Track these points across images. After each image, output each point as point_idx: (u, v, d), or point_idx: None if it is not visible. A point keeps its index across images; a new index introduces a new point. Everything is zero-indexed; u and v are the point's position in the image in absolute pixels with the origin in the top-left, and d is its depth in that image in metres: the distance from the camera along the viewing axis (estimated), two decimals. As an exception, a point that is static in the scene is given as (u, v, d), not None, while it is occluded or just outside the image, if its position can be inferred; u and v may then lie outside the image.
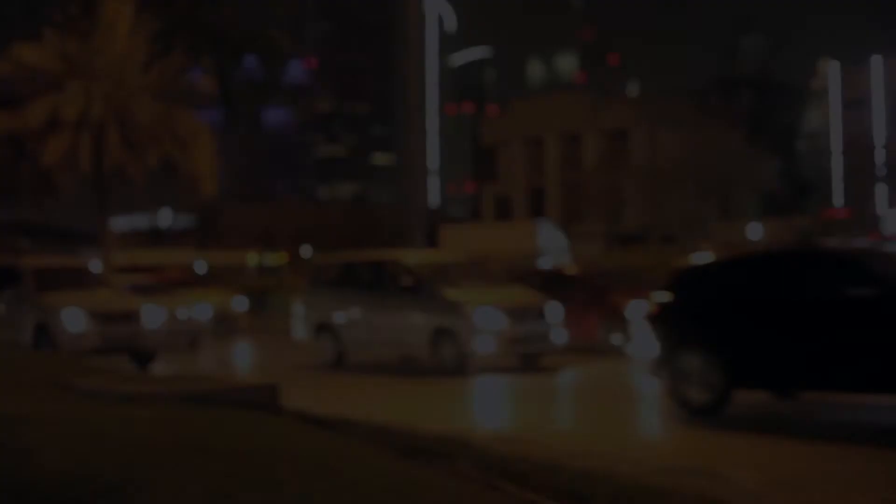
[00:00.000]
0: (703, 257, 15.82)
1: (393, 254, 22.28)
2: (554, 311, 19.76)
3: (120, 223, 73.00)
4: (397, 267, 20.59)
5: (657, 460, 9.46)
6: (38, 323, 20.08)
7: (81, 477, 5.92)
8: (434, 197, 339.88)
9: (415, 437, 9.25)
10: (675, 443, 11.66)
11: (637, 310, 20.41)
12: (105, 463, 6.27)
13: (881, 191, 65.22)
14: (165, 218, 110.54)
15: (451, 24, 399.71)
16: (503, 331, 18.78)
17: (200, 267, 60.44)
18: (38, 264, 22.09)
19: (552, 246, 63.22)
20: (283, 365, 21.75)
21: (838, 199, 62.95)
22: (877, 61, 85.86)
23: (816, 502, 7.70)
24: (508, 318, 18.85)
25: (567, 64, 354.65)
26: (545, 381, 18.35)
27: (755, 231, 65.82)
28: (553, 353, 19.90)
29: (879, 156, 63.91)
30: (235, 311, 31.86)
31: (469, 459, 7.95)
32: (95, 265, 25.37)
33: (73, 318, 19.85)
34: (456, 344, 18.72)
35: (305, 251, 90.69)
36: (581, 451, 9.68)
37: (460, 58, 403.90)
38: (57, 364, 12.87)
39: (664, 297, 13.87)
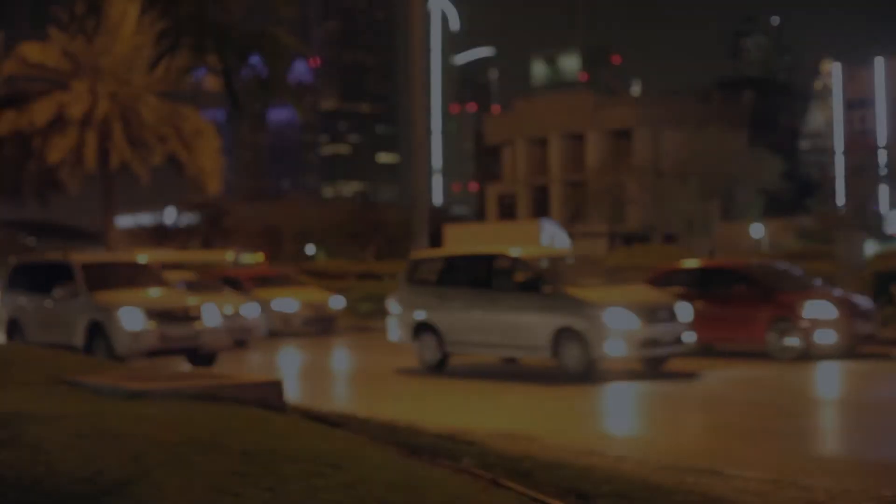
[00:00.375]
0: None
1: (505, 248, 20.97)
2: (684, 310, 18.34)
3: (124, 221, 73.07)
4: (512, 262, 19.43)
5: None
6: (92, 322, 19.15)
7: (88, 473, 5.95)
8: (438, 196, 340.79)
9: (419, 434, 9.27)
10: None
11: (817, 311, 19.87)
12: (111, 460, 6.28)
13: (883, 191, 65.15)
14: (170, 216, 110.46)
15: (455, 23, 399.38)
16: (635, 332, 17.50)
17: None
18: (88, 260, 21.18)
19: (555, 245, 63.24)
20: (378, 369, 20.79)
21: (840, 199, 62.80)
22: (879, 62, 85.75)
23: (818, 499, 7.68)
24: (640, 319, 17.56)
25: (570, 64, 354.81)
26: (686, 388, 17.05)
27: (757, 231, 65.83)
28: (680, 357, 18.68)
29: (881, 156, 63.86)
30: (332, 309, 29.91)
31: (473, 457, 7.97)
32: (144, 260, 24.28)
33: (131, 317, 18.87)
34: (582, 346, 17.40)
35: (309, 249, 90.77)
36: (585, 450, 9.68)
37: (464, 57, 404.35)
38: (63, 361, 12.84)
39: None
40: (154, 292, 20.40)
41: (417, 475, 6.61)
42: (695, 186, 58.27)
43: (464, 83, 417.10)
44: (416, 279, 20.68)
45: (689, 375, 17.89)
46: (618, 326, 17.33)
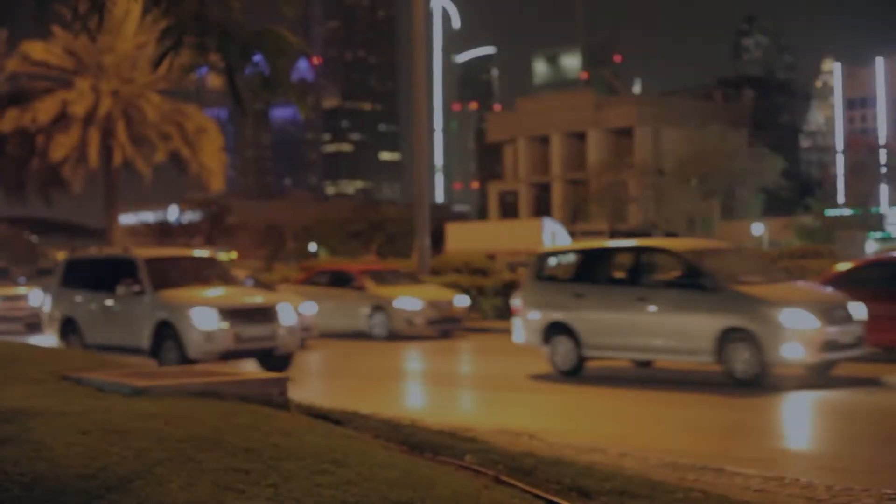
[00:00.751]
0: None
1: (656, 240, 19.18)
2: (858, 309, 16.43)
3: (127, 219, 73.04)
4: (666, 256, 17.76)
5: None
6: (160, 323, 17.55)
7: (91, 470, 5.96)
8: (440, 194, 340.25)
9: (422, 431, 9.28)
10: None
11: None
12: (115, 456, 6.30)
13: (883, 190, 65.21)
14: (173, 214, 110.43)
15: (457, 22, 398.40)
16: (815, 334, 15.66)
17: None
18: (152, 254, 19.68)
19: (557, 243, 63.36)
20: (508, 375, 18.58)
21: (841, 198, 62.83)
22: (879, 62, 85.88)
23: (819, 497, 7.67)
24: (819, 319, 15.71)
25: (571, 62, 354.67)
26: (871, 397, 14.98)
27: (758, 229, 65.87)
28: (856, 361, 16.84)
29: (882, 155, 63.93)
30: (458, 308, 26.82)
31: (476, 454, 7.99)
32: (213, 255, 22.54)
33: (204, 317, 17.22)
34: (754, 349, 15.57)
35: (311, 246, 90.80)
36: (587, 447, 9.68)
37: (465, 56, 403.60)
38: (66, 358, 12.85)
39: None
40: (224, 289, 18.88)
41: (420, 472, 6.61)
42: (695, 185, 58.28)
43: (465, 82, 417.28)
44: (545, 276, 18.78)
45: (867, 382, 16.15)
46: (796, 327, 15.55)
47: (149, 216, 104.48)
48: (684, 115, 75.67)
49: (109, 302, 18.97)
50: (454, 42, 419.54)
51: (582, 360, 17.58)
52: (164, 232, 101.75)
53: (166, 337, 17.40)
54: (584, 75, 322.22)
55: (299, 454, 6.68)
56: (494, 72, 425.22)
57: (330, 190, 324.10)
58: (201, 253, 21.86)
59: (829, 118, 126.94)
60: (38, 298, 31.30)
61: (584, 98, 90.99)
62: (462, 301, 27.11)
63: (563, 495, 6.86)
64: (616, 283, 17.83)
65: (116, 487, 5.65)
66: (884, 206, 63.10)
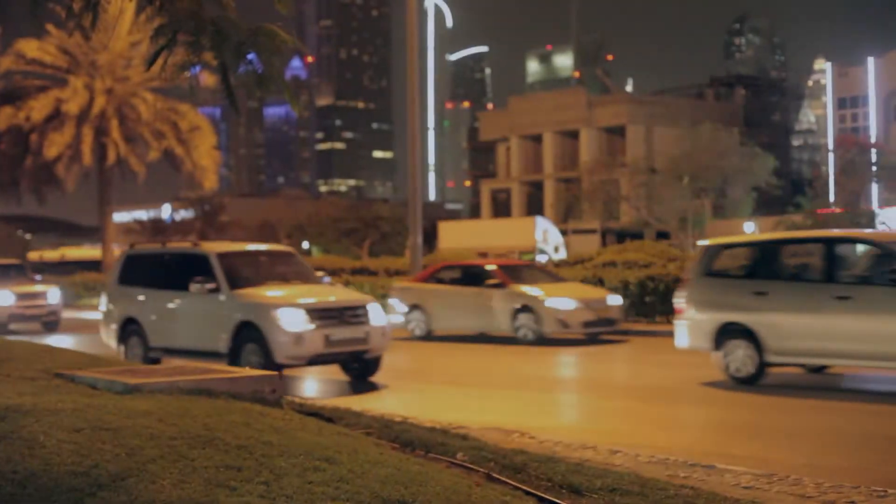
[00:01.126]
0: None
1: (855, 231, 17.13)
2: None
3: (120, 217, 72.90)
4: (871, 248, 15.45)
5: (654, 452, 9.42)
6: (241, 324, 15.89)
7: (84, 467, 5.98)
8: (432, 192, 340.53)
9: (414, 428, 9.31)
10: None
11: None
12: (107, 454, 6.32)
13: (874, 189, 65.38)
14: (166, 212, 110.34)
15: (450, 21, 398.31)
16: None
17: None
18: (226, 249, 17.88)
19: (549, 242, 63.46)
20: (677, 383, 16.47)
21: (832, 196, 62.97)
22: (871, 62, 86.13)
23: (808, 493, 7.69)
24: None
25: (564, 61, 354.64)
26: None
27: (749, 228, 65.95)
28: None
29: (872, 154, 64.11)
30: (612, 306, 23.81)
31: (467, 451, 8.02)
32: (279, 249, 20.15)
33: (292, 317, 15.55)
34: None
35: (304, 244, 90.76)
36: (579, 443, 9.68)
37: (458, 55, 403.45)
38: (60, 356, 12.84)
39: None
40: (307, 287, 17.21)
41: (411, 469, 6.63)
42: (687, 184, 58.35)
43: (458, 80, 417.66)
44: (715, 271, 16.59)
45: None
46: None
47: (142, 214, 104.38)
48: (676, 114, 75.75)
49: (179, 301, 17.32)
50: (447, 41, 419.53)
51: (763, 366, 15.53)
52: (157, 230, 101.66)
53: (248, 340, 15.81)
54: (577, 74, 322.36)
55: (291, 451, 6.70)
56: (487, 70, 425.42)
57: (323, 188, 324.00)
58: (277, 247, 19.87)
59: (821, 117, 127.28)
60: (55, 296, 30.93)
61: (576, 97, 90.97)
62: (615, 300, 24.11)
63: (554, 492, 6.88)
64: (806, 280, 15.67)
65: (109, 485, 5.66)
66: (874, 205, 63.26)
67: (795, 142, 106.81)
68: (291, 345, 15.44)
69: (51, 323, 30.98)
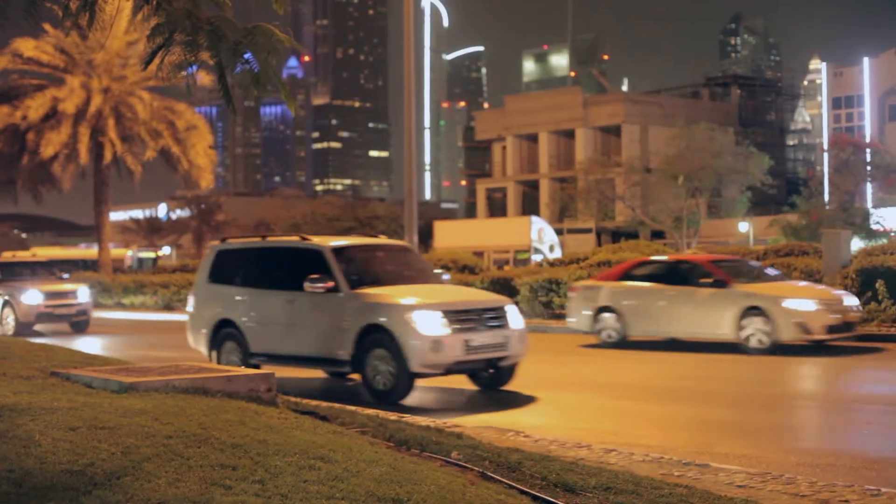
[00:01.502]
0: None
1: None
2: None
3: (116, 216, 73.03)
4: None
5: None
6: (367, 328, 14.10)
7: (79, 466, 6.01)
8: (428, 191, 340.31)
9: (409, 427, 9.32)
10: None
11: None
12: (103, 452, 6.35)
13: (868, 189, 65.46)
14: (162, 211, 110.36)
15: (446, 21, 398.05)
16: None
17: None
18: (342, 243, 15.88)
19: (545, 241, 63.48)
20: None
21: (826, 196, 63.04)
22: (866, 62, 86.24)
23: (802, 492, 7.69)
24: None
25: (560, 61, 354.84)
26: None
27: (744, 227, 66.02)
28: None
29: (867, 154, 64.17)
30: (849, 307, 20.47)
31: (462, 450, 8.04)
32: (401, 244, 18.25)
33: (428, 320, 13.73)
34: None
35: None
36: (573, 442, 9.69)
37: (455, 54, 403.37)
38: (56, 354, 12.84)
39: None
40: (434, 287, 15.55)
41: (406, 468, 6.66)
42: (682, 183, 58.35)
43: (454, 80, 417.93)
44: None
45: None
46: None
47: (138, 213, 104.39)
48: (671, 114, 75.82)
49: (287, 302, 15.29)
50: (444, 40, 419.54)
51: None
52: (153, 228, 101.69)
53: (375, 345, 13.97)
54: (573, 74, 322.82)
55: (286, 450, 6.73)
56: (483, 70, 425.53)
57: (319, 187, 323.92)
58: (392, 241, 17.76)
59: (816, 117, 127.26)
60: (85, 294, 29.58)
61: (571, 96, 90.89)
62: (851, 300, 20.72)
63: (549, 491, 6.91)
64: None
65: (104, 483, 5.68)
66: (869, 204, 63.34)
67: (790, 141, 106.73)
68: (429, 351, 13.61)
69: (80, 323, 29.52)
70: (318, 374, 16.77)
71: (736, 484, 7.92)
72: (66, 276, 33.35)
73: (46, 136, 35.63)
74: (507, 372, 14.81)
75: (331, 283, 14.57)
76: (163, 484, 5.71)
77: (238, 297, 16.14)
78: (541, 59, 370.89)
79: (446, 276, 16.69)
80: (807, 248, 28.88)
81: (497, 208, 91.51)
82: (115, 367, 11.47)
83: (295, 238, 16.66)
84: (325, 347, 14.66)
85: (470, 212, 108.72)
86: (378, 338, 13.93)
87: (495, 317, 14.38)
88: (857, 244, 34.92)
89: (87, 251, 44.23)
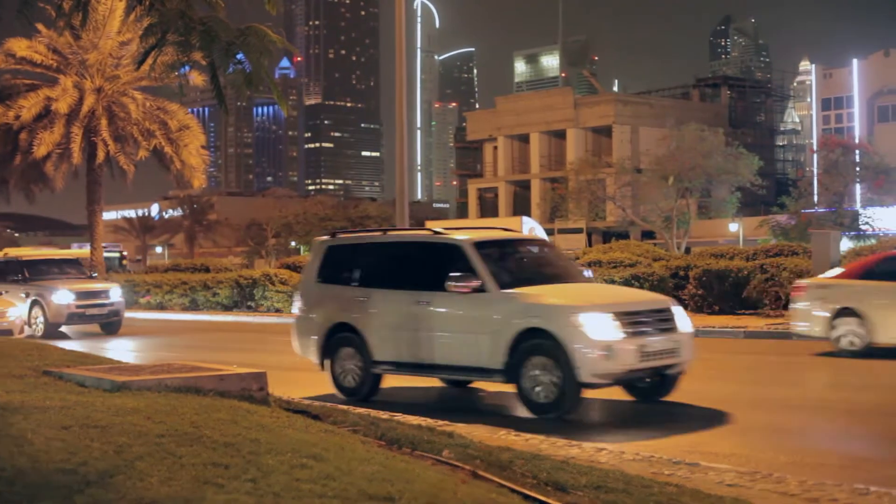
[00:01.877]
0: None
1: None
2: None
3: (107, 215, 72.97)
4: None
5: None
6: (523, 332, 12.37)
7: (72, 465, 6.01)
8: (420, 191, 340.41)
9: (400, 426, 9.34)
10: None
11: None
12: (95, 451, 6.36)
13: (857, 189, 65.61)
14: (154, 210, 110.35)
15: (438, 21, 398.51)
16: None
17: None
18: (481, 238, 14.07)
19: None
20: None
21: (816, 197, 63.16)
22: (855, 64, 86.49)
23: (791, 491, 7.70)
24: None
25: (551, 62, 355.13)
26: None
27: (734, 228, 66.12)
28: None
29: (856, 155, 64.35)
30: None
31: (454, 449, 8.06)
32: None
33: (600, 324, 12.04)
34: None
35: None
36: (564, 441, 9.69)
37: (446, 55, 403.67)
38: (48, 353, 12.83)
39: None
40: (589, 286, 14.26)
41: (398, 467, 6.68)
42: (672, 183, 58.42)
43: (446, 80, 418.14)
44: None
45: None
46: None
47: (130, 213, 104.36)
48: (662, 115, 75.84)
49: (421, 303, 13.48)
50: (435, 41, 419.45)
51: None
52: (145, 228, 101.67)
53: (534, 352, 12.26)
54: (564, 75, 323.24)
55: (279, 449, 6.74)
56: (474, 71, 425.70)
57: (311, 187, 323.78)
58: (531, 236, 15.37)
59: (806, 118, 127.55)
60: (117, 294, 28.28)
61: (562, 97, 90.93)
62: None
63: (540, 489, 6.91)
64: None
65: (97, 482, 5.68)
66: (858, 205, 63.47)
67: (780, 142, 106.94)
68: (602, 359, 11.93)
69: (112, 324, 28.16)
70: (432, 382, 15.00)
71: (726, 483, 7.92)
72: (94, 274, 32.36)
73: (39, 135, 35.55)
74: (671, 381, 12.99)
75: (477, 283, 12.90)
76: (155, 482, 5.71)
77: (357, 299, 14.29)
78: (532, 60, 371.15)
79: (588, 273, 15.15)
80: (796, 248, 28.97)
81: (488, 208, 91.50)
82: (107, 365, 11.49)
83: (425, 231, 15.27)
84: (470, 355, 12.96)
85: (461, 212, 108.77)
86: (538, 344, 12.25)
87: (665, 318, 12.79)
88: (846, 245, 35.01)
89: (67, 251, 43.68)
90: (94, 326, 28.52)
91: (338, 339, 14.34)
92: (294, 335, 15.17)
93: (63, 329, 27.73)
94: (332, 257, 15.08)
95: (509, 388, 12.71)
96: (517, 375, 12.31)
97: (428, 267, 13.66)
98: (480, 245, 13.47)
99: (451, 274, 12.95)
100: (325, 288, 14.89)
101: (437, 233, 14.42)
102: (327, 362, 14.45)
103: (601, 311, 12.10)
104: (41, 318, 27.08)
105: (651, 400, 13.09)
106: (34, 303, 27.11)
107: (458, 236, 13.79)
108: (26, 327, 25.85)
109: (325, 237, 15.81)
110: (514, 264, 14.09)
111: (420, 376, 14.11)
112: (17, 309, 24.75)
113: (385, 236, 15.15)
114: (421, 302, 13.42)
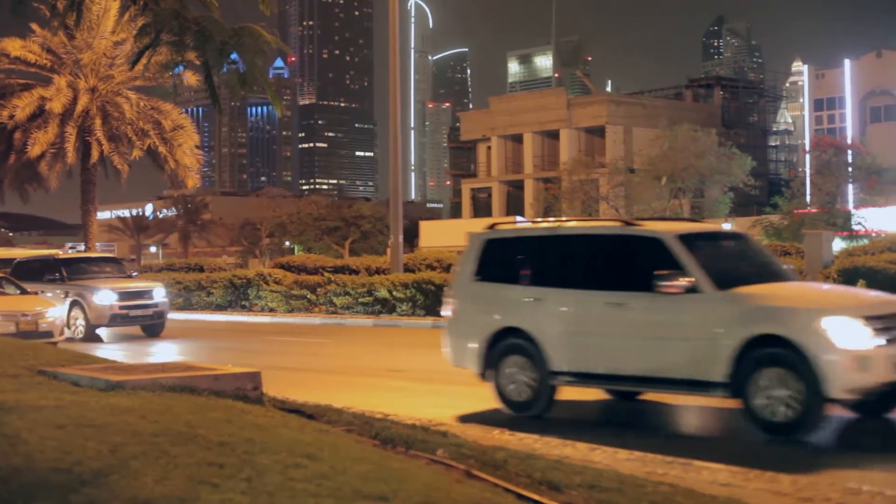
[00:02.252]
0: None
1: None
2: None
3: (101, 214, 73.12)
4: None
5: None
6: (752, 339, 10.85)
7: (66, 464, 6.00)
8: (413, 191, 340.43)
9: (395, 425, 9.33)
10: None
11: None
12: (90, 450, 6.35)
13: (850, 190, 65.71)
14: (148, 210, 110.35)
15: (432, 21, 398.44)
16: None
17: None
18: (692, 230, 12.56)
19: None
20: None
21: (808, 197, 63.26)
22: (847, 65, 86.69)
23: (784, 490, 7.72)
24: None
25: (544, 62, 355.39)
26: None
27: (726, 228, 66.07)
28: None
29: (848, 155, 64.46)
30: None
31: (448, 448, 8.02)
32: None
33: (849, 331, 10.60)
34: None
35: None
36: (558, 441, 9.71)
37: (440, 55, 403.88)
38: (43, 353, 12.82)
39: None
40: (816, 286, 13.10)
41: (392, 466, 6.68)
42: (665, 184, 58.48)
43: (440, 80, 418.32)
44: None
45: None
46: None
47: (125, 212, 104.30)
48: (655, 115, 75.88)
49: (613, 305, 11.91)
50: (429, 41, 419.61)
51: None
52: (140, 227, 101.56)
53: (768, 363, 10.68)
54: (557, 75, 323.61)
55: (273, 448, 6.72)
56: (468, 71, 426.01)
57: (305, 187, 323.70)
58: (726, 229, 13.33)
59: (798, 118, 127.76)
60: (161, 294, 27.11)
61: (556, 97, 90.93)
62: None
63: (534, 489, 6.89)
64: None
65: (91, 481, 5.68)
66: (850, 205, 63.58)
67: (773, 143, 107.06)
68: (854, 371, 10.39)
69: (154, 326, 27.00)
70: (597, 394, 13.62)
71: (719, 482, 7.94)
72: (134, 273, 31.20)
73: (33, 135, 35.55)
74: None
75: (689, 282, 11.31)
76: (150, 482, 5.70)
77: (529, 299, 12.65)
78: (525, 60, 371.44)
79: (788, 266, 13.37)
80: (789, 248, 29.01)
81: (482, 208, 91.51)
82: (101, 365, 11.47)
83: (613, 223, 13.48)
84: (680, 365, 11.36)
85: (455, 212, 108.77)
86: (772, 353, 10.68)
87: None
88: (838, 245, 35.11)
89: (48, 250, 43.53)
90: (134, 329, 27.35)
91: (504, 346, 12.70)
92: (447, 341, 13.50)
93: (101, 332, 26.62)
94: (492, 252, 13.34)
95: (731, 403, 11.21)
96: (743, 389, 10.77)
97: (619, 263, 12.27)
98: (686, 238, 11.80)
99: (658, 272, 11.41)
100: (487, 287, 13.22)
101: (629, 224, 12.87)
102: (491, 372, 12.77)
103: (850, 316, 10.65)
104: (81, 320, 25.80)
105: (876, 415, 11.48)
106: (73, 303, 25.81)
107: (657, 228, 12.25)
108: (66, 329, 23.97)
109: (481, 230, 13.91)
110: (723, 260, 12.30)
111: (610, 387, 12.79)
112: (57, 309, 22.89)
113: (560, 228, 13.38)
114: (612, 303, 11.87)
